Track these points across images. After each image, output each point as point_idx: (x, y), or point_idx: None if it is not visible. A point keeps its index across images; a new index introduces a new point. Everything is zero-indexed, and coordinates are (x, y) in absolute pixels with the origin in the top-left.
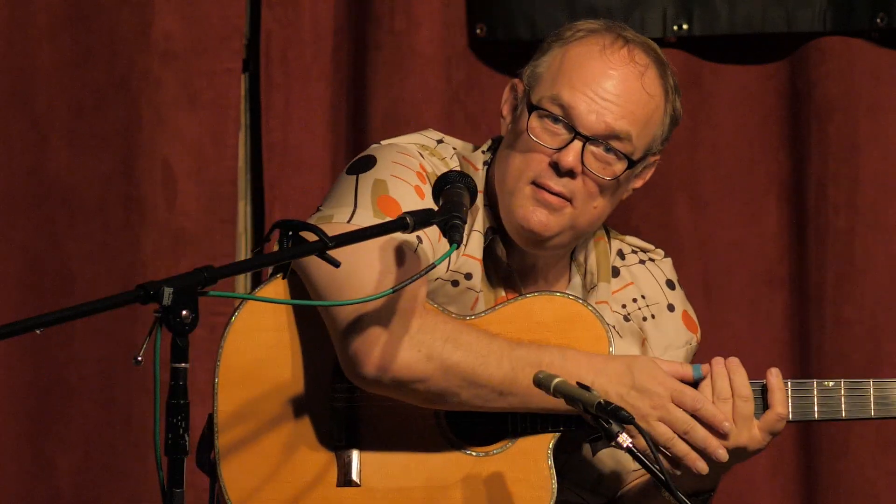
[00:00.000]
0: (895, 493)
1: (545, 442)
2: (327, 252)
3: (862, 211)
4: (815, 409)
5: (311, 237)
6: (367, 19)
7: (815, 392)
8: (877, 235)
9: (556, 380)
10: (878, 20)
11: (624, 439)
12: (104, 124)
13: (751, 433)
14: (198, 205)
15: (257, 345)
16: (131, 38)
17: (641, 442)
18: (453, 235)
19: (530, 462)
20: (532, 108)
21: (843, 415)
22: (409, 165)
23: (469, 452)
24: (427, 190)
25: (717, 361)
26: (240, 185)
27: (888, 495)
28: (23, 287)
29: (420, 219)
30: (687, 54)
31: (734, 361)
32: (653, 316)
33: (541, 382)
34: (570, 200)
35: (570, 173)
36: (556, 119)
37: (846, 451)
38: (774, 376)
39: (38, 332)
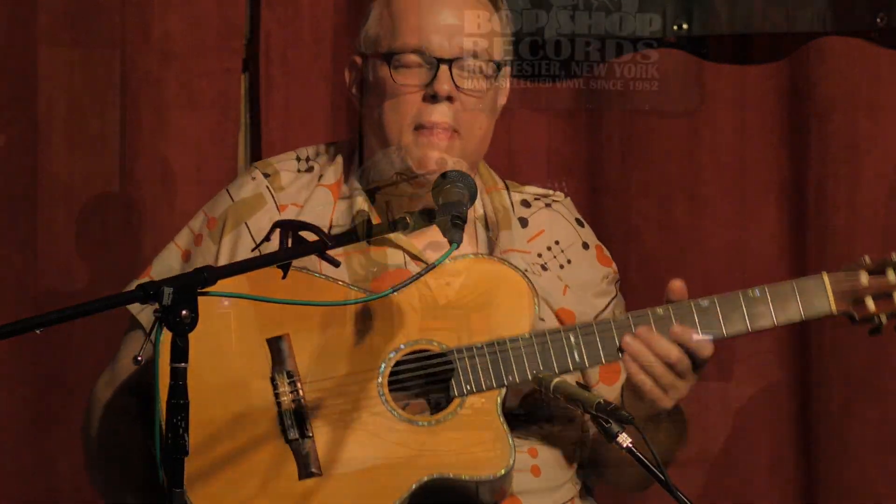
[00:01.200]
0: (895, 493)
1: (493, 398)
2: (327, 252)
3: (862, 211)
4: (722, 327)
5: (311, 237)
6: None
7: (694, 309)
8: (877, 235)
9: (556, 380)
10: (878, 20)
11: (624, 439)
12: (104, 124)
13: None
14: (198, 205)
15: None
16: (131, 38)
17: None
18: (453, 235)
19: (482, 421)
20: (387, 59)
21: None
22: (206, 212)
23: (421, 423)
24: (210, 234)
25: (628, 344)
26: None
27: (889, 495)
28: (23, 287)
29: (420, 219)
30: (687, 54)
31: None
32: (569, 261)
33: (541, 382)
34: (456, 131)
35: (449, 98)
36: (414, 57)
37: (846, 450)
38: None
39: (38, 332)
